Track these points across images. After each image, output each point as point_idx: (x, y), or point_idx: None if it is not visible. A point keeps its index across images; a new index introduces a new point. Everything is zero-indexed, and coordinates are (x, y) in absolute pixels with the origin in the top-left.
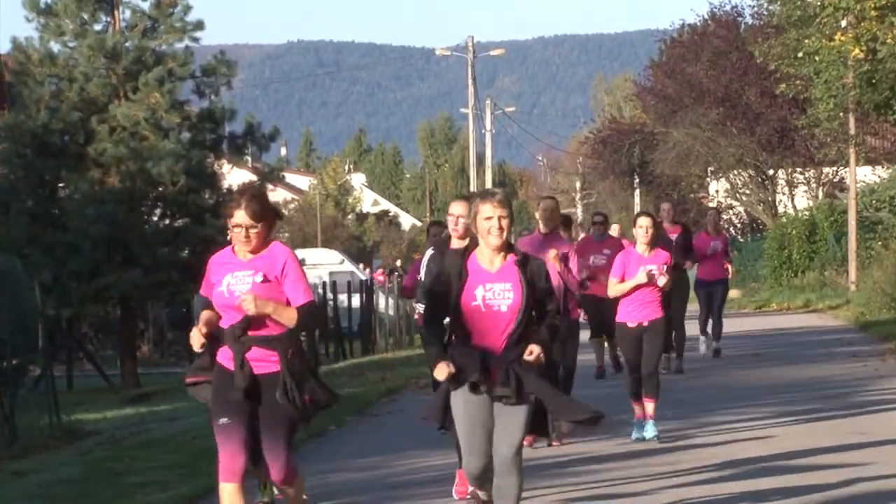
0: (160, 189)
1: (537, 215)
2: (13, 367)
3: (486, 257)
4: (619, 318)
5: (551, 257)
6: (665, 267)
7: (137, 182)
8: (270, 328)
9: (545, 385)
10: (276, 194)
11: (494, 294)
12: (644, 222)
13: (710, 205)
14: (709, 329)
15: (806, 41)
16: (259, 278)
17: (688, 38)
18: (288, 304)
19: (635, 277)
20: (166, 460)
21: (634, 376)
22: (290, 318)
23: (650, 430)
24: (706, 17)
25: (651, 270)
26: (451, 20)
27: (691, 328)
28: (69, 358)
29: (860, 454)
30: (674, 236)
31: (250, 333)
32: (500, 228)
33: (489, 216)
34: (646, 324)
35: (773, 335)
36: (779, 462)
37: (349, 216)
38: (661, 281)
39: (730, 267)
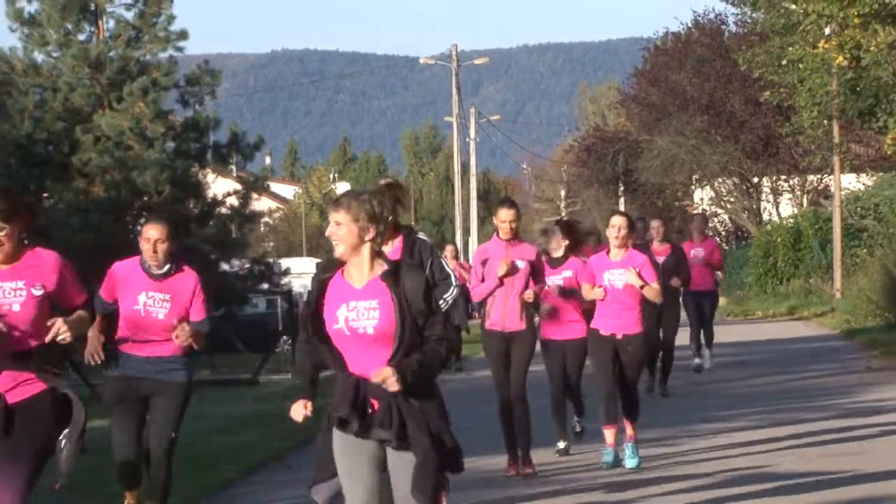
0: (145, 198)
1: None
2: None
3: (356, 271)
4: (592, 324)
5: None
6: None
7: (122, 191)
8: (20, 342)
9: (423, 434)
10: (261, 203)
11: (358, 314)
12: (617, 221)
13: (695, 212)
14: (703, 341)
15: (790, 49)
16: (37, 290)
17: (672, 46)
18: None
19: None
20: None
21: (608, 395)
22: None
23: (631, 458)
24: (690, 25)
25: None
26: (436, 29)
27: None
28: (56, 367)
29: (847, 461)
30: (662, 258)
31: None
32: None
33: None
34: (619, 336)
35: (759, 343)
36: (766, 469)
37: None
38: (630, 278)
39: (719, 273)
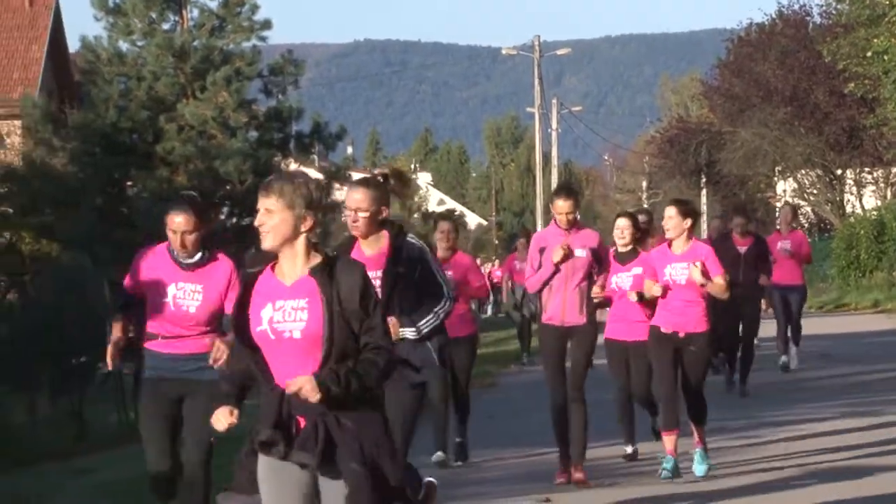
0: (227, 188)
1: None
2: (83, 364)
3: (288, 265)
4: (652, 321)
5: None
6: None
7: (205, 181)
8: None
9: (353, 460)
10: (343, 193)
11: (284, 315)
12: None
13: (777, 204)
14: (790, 337)
15: (875, 40)
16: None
17: (756, 37)
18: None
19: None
20: (234, 457)
21: (667, 399)
22: None
23: (700, 464)
24: (774, 16)
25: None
26: (518, 19)
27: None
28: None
29: None
30: (743, 248)
31: None
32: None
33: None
34: (682, 334)
35: (842, 336)
36: (847, 464)
37: (415, 215)
38: (694, 274)
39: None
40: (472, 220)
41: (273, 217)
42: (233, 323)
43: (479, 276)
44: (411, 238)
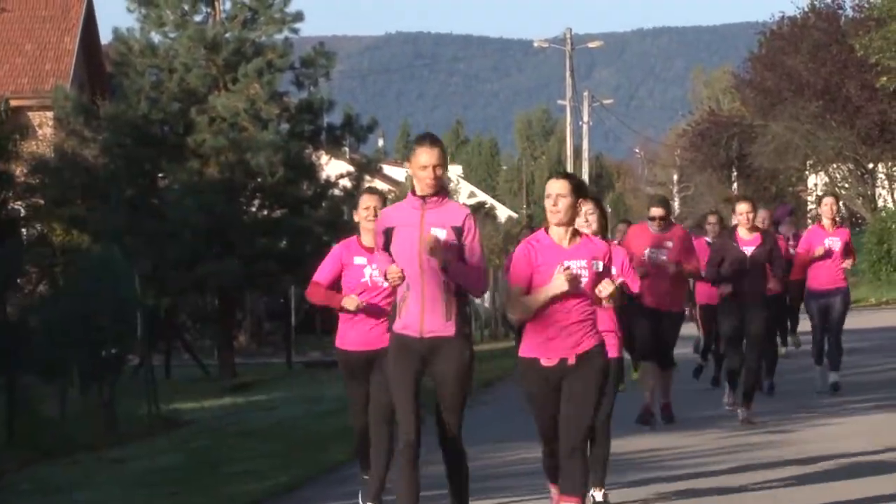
0: (258, 180)
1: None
2: (113, 355)
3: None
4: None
5: None
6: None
7: (236, 173)
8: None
9: None
10: (374, 185)
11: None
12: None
13: (809, 198)
14: (825, 353)
15: None
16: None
17: (788, 30)
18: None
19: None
20: (264, 450)
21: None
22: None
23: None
24: (806, 9)
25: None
26: (550, 12)
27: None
28: (168, 347)
29: None
30: (751, 249)
31: None
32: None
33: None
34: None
35: (872, 331)
36: (879, 457)
37: None
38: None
39: (847, 264)
40: (503, 213)
41: None
42: None
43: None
44: None
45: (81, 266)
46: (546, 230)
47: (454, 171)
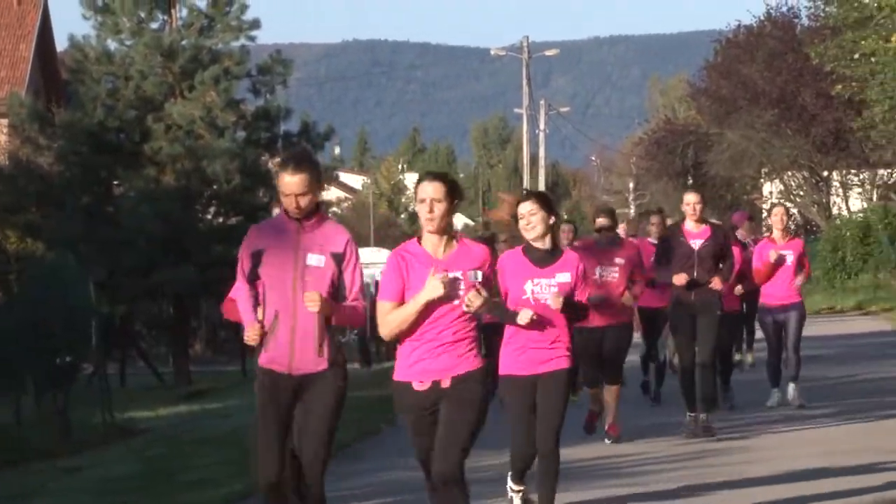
0: (215, 187)
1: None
2: (67, 363)
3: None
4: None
5: None
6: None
7: (192, 180)
8: None
9: None
10: (330, 193)
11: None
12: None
13: (764, 206)
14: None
15: (862, 42)
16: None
17: (743, 39)
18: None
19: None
20: (220, 458)
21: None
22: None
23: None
24: (762, 18)
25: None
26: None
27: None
28: (122, 355)
29: None
30: (700, 242)
31: None
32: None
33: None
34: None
35: (827, 338)
36: (835, 464)
37: (402, 215)
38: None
39: (800, 280)
40: (459, 220)
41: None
42: None
43: None
44: None
45: (32, 274)
46: (419, 240)
47: (411, 178)
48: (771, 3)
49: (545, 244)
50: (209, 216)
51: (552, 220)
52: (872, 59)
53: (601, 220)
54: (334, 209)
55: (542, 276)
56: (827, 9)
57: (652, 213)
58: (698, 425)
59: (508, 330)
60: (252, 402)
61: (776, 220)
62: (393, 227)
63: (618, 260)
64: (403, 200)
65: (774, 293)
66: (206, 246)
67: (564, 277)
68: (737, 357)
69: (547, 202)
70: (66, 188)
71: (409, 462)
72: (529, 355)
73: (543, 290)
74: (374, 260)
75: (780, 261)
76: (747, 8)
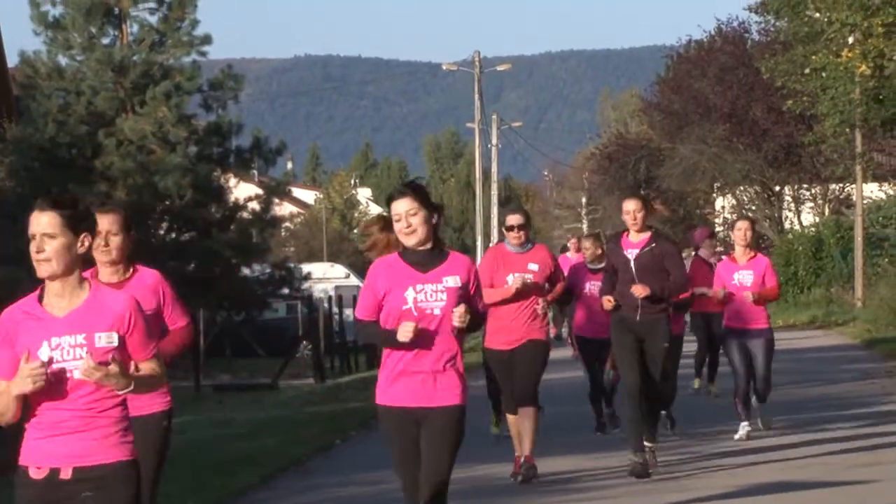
0: (167, 203)
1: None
2: None
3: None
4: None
5: None
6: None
7: (144, 195)
8: None
9: None
10: (283, 208)
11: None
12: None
13: (717, 221)
14: (752, 399)
15: (813, 57)
16: None
17: (694, 54)
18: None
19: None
20: (172, 474)
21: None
22: None
23: None
24: (713, 33)
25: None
26: (458, 35)
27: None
28: None
29: (869, 471)
30: (636, 251)
31: None
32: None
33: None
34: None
35: (780, 352)
36: (789, 479)
37: (355, 230)
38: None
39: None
40: None
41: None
42: None
43: None
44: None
45: None
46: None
47: (363, 193)
48: (721, 19)
49: (427, 246)
50: (161, 231)
51: (435, 219)
52: (823, 74)
53: (513, 218)
54: (287, 224)
55: (426, 280)
56: (777, 23)
57: (587, 236)
58: (654, 456)
59: (385, 353)
60: (206, 418)
61: (739, 234)
62: (346, 242)
63: (531, 265)
64: (356, 215)
65: (738, 315)
66: (159, 261)
67: (454, 281)
68: (695, 384)
69: (426, 197)
70: (18, 204)
71: (363, 477)
72: (410, 383)
73: (429, 297)
74: (326, 275)
75: (725, 300)
76: (698, 23)
